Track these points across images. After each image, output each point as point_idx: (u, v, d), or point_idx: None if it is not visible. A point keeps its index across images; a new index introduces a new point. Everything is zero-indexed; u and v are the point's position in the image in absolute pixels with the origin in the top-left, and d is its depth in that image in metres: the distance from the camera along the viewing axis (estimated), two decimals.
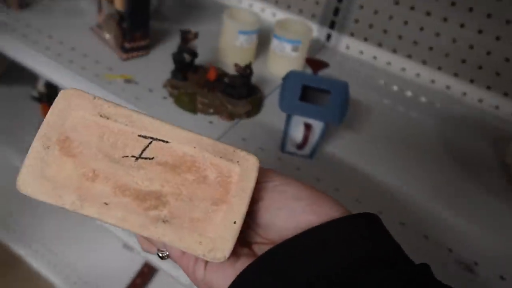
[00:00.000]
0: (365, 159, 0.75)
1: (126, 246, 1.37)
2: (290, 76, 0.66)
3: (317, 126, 0.66)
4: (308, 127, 0.67)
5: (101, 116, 0.33)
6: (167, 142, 0.33)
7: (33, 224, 1.39)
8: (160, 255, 0.36)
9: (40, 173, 0.31)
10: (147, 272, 1.41)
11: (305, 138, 0.68)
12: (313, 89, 0.66)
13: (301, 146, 0.70)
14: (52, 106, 0.33)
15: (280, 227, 0.32)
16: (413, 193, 0.70)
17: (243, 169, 0.32)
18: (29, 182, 0.31)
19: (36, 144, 0.31)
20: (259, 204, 0.32)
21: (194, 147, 0.33)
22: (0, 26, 0.92)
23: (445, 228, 0.65)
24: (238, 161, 0.33)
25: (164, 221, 0.31)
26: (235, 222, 0.31)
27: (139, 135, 0.32)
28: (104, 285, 1.31)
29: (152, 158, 0.32)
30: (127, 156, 0.32)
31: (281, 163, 0.71)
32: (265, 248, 0.31)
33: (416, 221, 0.65)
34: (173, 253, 0.34)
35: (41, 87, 1.17)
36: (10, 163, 1.22)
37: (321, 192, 0.33)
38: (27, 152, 0.31)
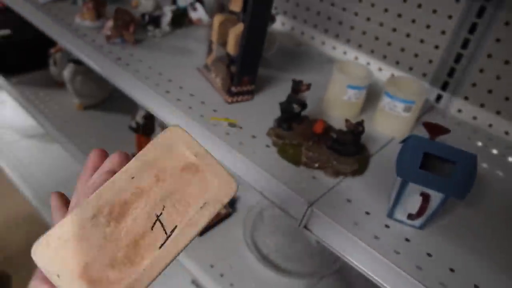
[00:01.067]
0: (482, 238, 0.67)
1: (195, 283, 1.34)
2: (410, 141, 0.62)
3: (436, 197, 0.61)
4: (426, 197, 0.61)
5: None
6: None
7: None
8: None
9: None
10: None
11: (422, 209, 0.62)
12: (435, 157, 0.60)
13: (414, 216, 0.64)
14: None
15: None
16: None
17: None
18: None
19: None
20: None
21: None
22: (115, 60, 0.96)
23: None
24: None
25: None
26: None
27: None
28: None
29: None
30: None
31: (388, 231, 0.65)
32: None
33: None
34: None
35: (139, 118, 1.20)
36: None
37: None
38: None
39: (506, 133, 0.93)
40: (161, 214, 0.36)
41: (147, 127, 1.22)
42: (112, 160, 0.39)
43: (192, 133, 0.81)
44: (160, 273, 0.34)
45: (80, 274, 0.33)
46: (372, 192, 0.72)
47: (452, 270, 0.61)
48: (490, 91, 0.92)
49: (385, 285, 0.61)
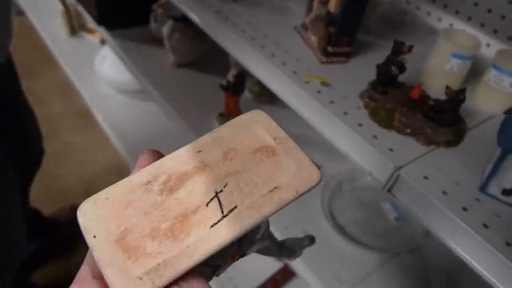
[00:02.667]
0: None
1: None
2: None
3: None
4: None
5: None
6: None
7: None
8: None
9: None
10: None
11: None
12: None
13: (509, 192, 0.60)
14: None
15: None
16: None
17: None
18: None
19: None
20: None
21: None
22: (216, 14, 0.98)
23: None
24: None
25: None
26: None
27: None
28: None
29: None
30: None
31: (478, 204, 0.62)
32: None
33: None
34: None
35: (231, 77, 1.23)
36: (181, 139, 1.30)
37: None
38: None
39: None
40: (221, 191, 0.32)
41: (237, 87, 1.24)
42: (142, 159, 0.35)
43: (283, 90, 0.82)
44: (205, 257, 0.30)
45: (116, 239, 0.30)
46: (465, 165, 0.69)
47: None
48: None
49: (467, 257, 0.58)
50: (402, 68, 0.74)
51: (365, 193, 1.28)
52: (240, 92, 1.27)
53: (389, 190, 0.67)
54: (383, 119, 0.72)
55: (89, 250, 0.30)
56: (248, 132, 0.36)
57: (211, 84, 1.47)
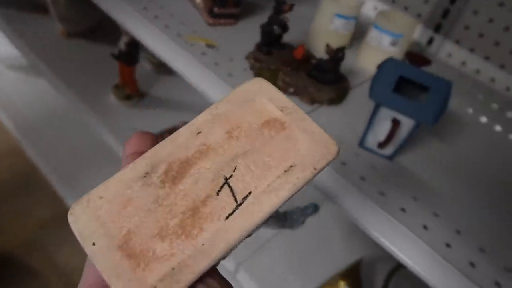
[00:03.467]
0: (448, 173, 0.66)
1: None
2: (387, 64, 0.59)
3: (407, 124, 0.59)
4: (396, 123, 0.59)
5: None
6: None
7: None
8: None
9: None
10: None
11: (390, 135, 0.60)
12: (410, 83, 0.58)
13: (383, 144, 0.62)
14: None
15: None
16: (496, 217, 0.60)
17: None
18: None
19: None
20: None
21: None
22: None
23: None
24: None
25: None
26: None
27: None
28: None
29: None
30: None
31: (357, 158, 0.64)
32: None
33: (497, 248, 0.56)
34: None
35: (122, 45, 1.16)
36: (78, 115, 1.23)
37: None
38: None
39: (492, 80, 0.90)
40: (231, 176, 0.28)
41: (130, 55, 1.18)
42: (131, 145, 0.30)
43: (167, 53, 0.79)
44: (225, 253, 0.26)
45: (120, 244, 0.26)
46: (346, 122, 0.70)
47: (415, 198, 0.60)
48: (481, 35, 0.89)
49: (345, 207, 0.59)
50: (284, 27, 0.73)
51: None
52: (134, 61, 1.21)
53: None
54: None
55: (87, 258, 0.26)
56: (251, 104, 0.31)
57: (105, 54, 1.39)
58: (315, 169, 0.29)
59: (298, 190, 0.28)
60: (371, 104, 0.61)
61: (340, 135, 0.67)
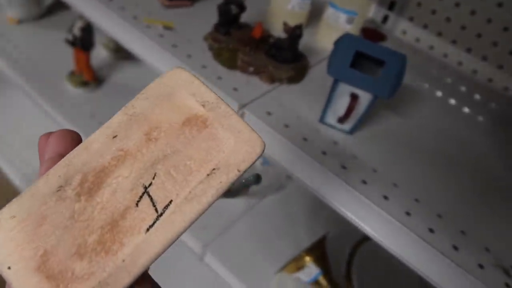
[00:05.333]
0: (406, 145, 0.68)
1: None
2: (344, 40, 0.60)
3: (365, 98, 0.60)
4: (354, 98, 0.60)
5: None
6: None
7: None
8: None
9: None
10: None
11: (349, 110, 0.61)
12: (366, 58, 0.59)
13: (342, 119, 0.64)
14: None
15: None
16: (452, 186, 0.63)
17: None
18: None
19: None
20: None
21: None
22: None
23: (485, 225, 0.59)
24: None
25: None
26: None
27: None
28: None
29: None
30: None
31: (318, 134, 0.65)
32: None
33: (454, 215, 0.59)
34: None
35: (76, 30, 1.13)
36: (34, 107, 1.19)
37: None
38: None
39: (445, 55, 0.93)
40: (150, 184, 0.27)
41: (85, 40, 1.15)
42: (53, 143, 0.28)
43: (123, 35, 0.77)
44: (146, 268, 0.25)
45: (37, 265, 0.24)
46: (306, 100, 0.71)
47: (374, 170, 0.61)
48: (433, 12, 0.91)
49: (308, 182, 0.61)
50: (241, 7, 0.73)
51: None
52: (90, 46, 1.18)
53: None
54: (227, 60, 0.72)
55: (6, 284, 0.25)
56: (170, 100, 0.29)
57: (58, 41, 1.35)
58: (239, 171, 0.27)
59: (223, 193, 0.27)
60: (330, 82, 0.62)
61: (300, 112, 0.68)
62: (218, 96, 0.29)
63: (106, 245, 0.25)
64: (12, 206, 0.25)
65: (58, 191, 0.25)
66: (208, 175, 0.27)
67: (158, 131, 0.28)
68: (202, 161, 0.27)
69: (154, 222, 0.26)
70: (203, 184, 0.27)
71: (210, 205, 0.27)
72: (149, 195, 0.26)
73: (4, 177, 1.44)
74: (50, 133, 0.28)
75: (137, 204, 0.26)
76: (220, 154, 0.28)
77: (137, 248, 0.25)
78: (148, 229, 0.25)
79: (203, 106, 0.28)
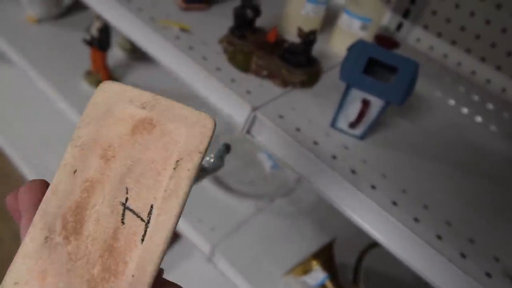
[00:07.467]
0: (416, 152, 0.68)
1: None
2: (357, 46, 0.60)
3: (376, 104, 0.61)
4: (366, 103, 0.61)
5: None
6: None
7: None
8: None
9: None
10: None
11: (361, 115, 0.62)
12: (379, 65, 0.60)
13: (354, 124, 0.64)
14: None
15: None
16: (462, 194, 0.63)
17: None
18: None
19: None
20: None
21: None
22: None
23: (495, 235, 0.59)
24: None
25: None
26: None
27: None
28: None
29: None
30: None
31: (328, 139, 0.66)
32: None
33: (463, 222, 0.59)
34: None
35: (94, 31, 1.15)
36: (50, 103, 1.21)
37: None
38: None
39: (459, 64, 0.93)
40: (127, 200, 0.27)
41: (102, 41, 1.17)
42: (23, 198, 0.28)
43: (140, 36, 0.79)
44: (156, 272, 0.26)
45: None
46: (318, 105, 0.72)
47: (384, 176, 0.62)
48: (448, 20, 0.92)
49: (318, 185, 0.61)
50: (257, 11, 0.74)
51: (242, 144, 1.30)
52: (107, 46, 1.20)
53: (248, 131, 0.68)
54: (241, 63, 0.73)
55: None
56: (111, 115, 0.29)
57: (76, 40, 1.37)
58: (200, 152, 0.28)
59: (195, 177, 0.28)
60: (342, 87, 0.63)
61: (312, 116, 0.69)
62: (154, 93, 0.30)
63: (112, 270, 0.26)
64: (11, 273, 0.26)
65: (46, 242, 0.26)
66: (174, 168, 0.28)
67: (113, 149, 0.28)
68: (164, 158, 0.28)
69: (145, 231, 0.27)
70: (174, 178, 0.28)
71: (188, 194, 0.28)
72: (130, 209, 0.27)
73: (22, 177, 1.47)
74: (15, 192, 0.29)
75: (123, 222, 0.27)
76: (177, 146, 0.28)
77: (141, 260, 0.26)
78: (142, 239, 0.27)
79: (144, 108, 0.29)
